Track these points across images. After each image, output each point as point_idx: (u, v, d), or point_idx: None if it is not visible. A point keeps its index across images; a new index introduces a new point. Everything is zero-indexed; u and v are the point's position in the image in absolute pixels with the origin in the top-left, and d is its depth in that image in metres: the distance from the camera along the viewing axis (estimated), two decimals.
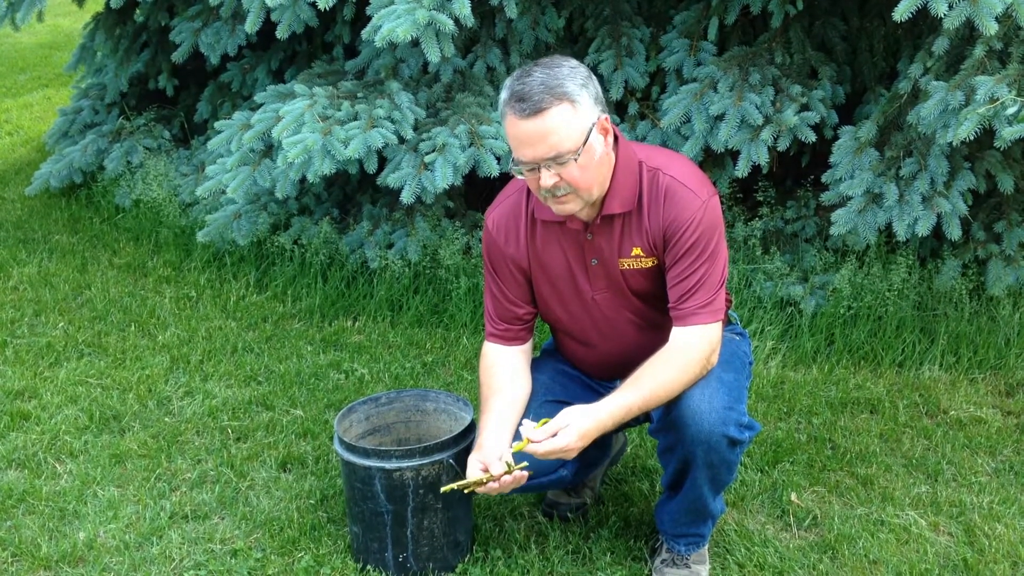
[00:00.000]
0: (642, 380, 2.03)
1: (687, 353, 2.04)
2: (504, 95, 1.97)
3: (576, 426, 1.97)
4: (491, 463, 2.03)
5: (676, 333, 2.07)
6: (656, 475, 2.65)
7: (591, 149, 1.97)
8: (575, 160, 1.94)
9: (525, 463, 2.04)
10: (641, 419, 2.30)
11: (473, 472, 2.04)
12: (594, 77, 2.01)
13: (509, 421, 2.15)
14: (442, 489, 2.07)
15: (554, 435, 1.96)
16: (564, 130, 1.93)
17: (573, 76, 1.95)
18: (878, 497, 2.55)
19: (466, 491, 2.05)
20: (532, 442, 1.96)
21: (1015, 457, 2.74)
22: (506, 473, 2.00)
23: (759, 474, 2.64)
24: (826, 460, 2.72)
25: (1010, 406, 3.00)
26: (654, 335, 2.15)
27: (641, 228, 2.07)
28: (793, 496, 2.55)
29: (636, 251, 2.09)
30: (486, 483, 2.01)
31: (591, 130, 1.97)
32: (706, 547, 2.29)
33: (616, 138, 2.07)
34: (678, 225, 2.03)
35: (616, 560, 2.32)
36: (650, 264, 2.10)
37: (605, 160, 2.02)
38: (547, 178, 1.96)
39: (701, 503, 2.15)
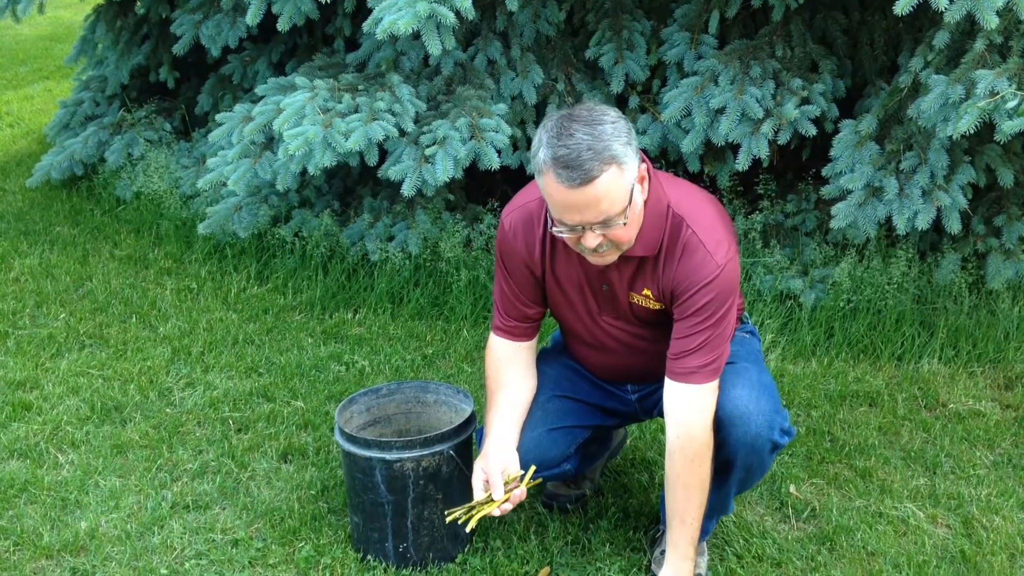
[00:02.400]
0: (678, 500, 2.05)
1: (692, 441, 2.01)
2: (544, 155, 1.84)
3: None
4: (493, 476, 2.02)
5: (670, 391, 2.02)
6: (655, 467, 2.66)
7: (635, 205, 1.90)
8: (623, 223, 1.89)
9: (533, 467, 2.07)
10: (657, 414, 2.30)
11: (477, 483, 2.05)
12: (629, 122, 1.91)
13: (515, 421, 2.16)
14: (448, 518, 2.06)
15: None
16: (614, 194, 1.84)
17: (617, 134, 1.84)
18: (876, 489, 2.56)
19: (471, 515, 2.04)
20: None
21: (1013, 450, 2.75)
22: (507, 494, 2.01)
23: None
24: (825, 452, 2.73)
25: (1009, 399, 3.00)
26: (661, 351, 2.10)
27: (656, 276, 2.03)
28: (792, 488, 2.56)
29: (646, 292, 2.06)
30: (487, 507, 2.01)
31: (634, 187, 1.90)
32: (705, 539, 2.30)
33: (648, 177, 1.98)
34: (688, 286, 1.98)
35: (615, 551, 2.33)
36: (658, 307, 2.08)
37: (642, 208, 1.96)
38: (591, 240, 1.89)
39: (722, 503, 2.16)
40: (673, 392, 2.02)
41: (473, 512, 2.02)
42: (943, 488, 2.56)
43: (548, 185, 1.86)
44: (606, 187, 1.83)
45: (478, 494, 2.03)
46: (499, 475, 2.03)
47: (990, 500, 2.51)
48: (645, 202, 1.97)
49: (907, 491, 2.55)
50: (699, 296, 1.97)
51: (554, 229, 1.93)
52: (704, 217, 2.00)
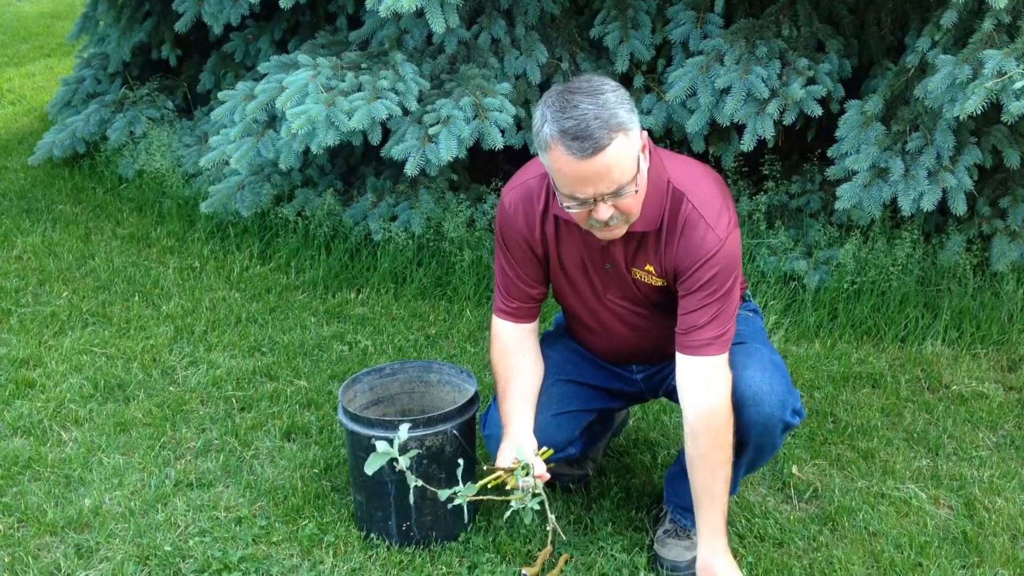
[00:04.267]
0: (705, 476, 2.01)
1: (714, 415, 1.98)
2: (550, 130, 1.82)
3: None
4: (528, 455, 2.00)
5: (685, 367, 2.00)
6: (658, 447, 2.66)
7: (642, 173, 1.89)
8: (635, 191, 1.88)
9: (548, 450, 2.05)
10: (663, 394, 2.30)
11: (504, 462, 2.02)
12: (626, 91, 1.89)
13: (530, 404, 2.16)
14: (469, 496, 1.99)
15: None
16: (624, 162, 1.83)
17: (620, 102, 1.83)
18: (879, 470, 2.56)
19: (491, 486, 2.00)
20: None
21: (1016, 432, 2.75)
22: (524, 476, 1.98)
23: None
24: (827, 434, 2.73)
25: (1012, 381, 3.00)
26: (667, 331, 2.10)
27: (657, 252, 2.02)
28: (794, 469, 2.57)
29: (649, 268, 2.05)
30: (508, 486, 1.97)
31: (639, 155, 1.88)
32: None
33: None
34: (691, 262, 1.97)
35: (617, 530, 2.33)
36: (660, 284, 2.07)
37: (646, 178, 1.95)
38: (604, 211, 1.87)
39: (730, 483, 2.16)
40: (688, 367, 2.00)
41: (493, 481, 1.99)
42: (945, 469, 2.57)
43: (557, 160, 1.84)
44: (616, 155, 1.82)
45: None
46: (532, 454, 2.03)
47: (992, 481, 2.51)
48: (647, 178, 1.96)
49: (909, 472, 2.56)
50: (703, 271, 1.96)
51: (564, 205, 1.91)
52: (704, 191, 1.99)
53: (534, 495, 1.94)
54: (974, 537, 2.29)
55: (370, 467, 1.91)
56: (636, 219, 1.95)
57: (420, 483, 2.00)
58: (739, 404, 2.01)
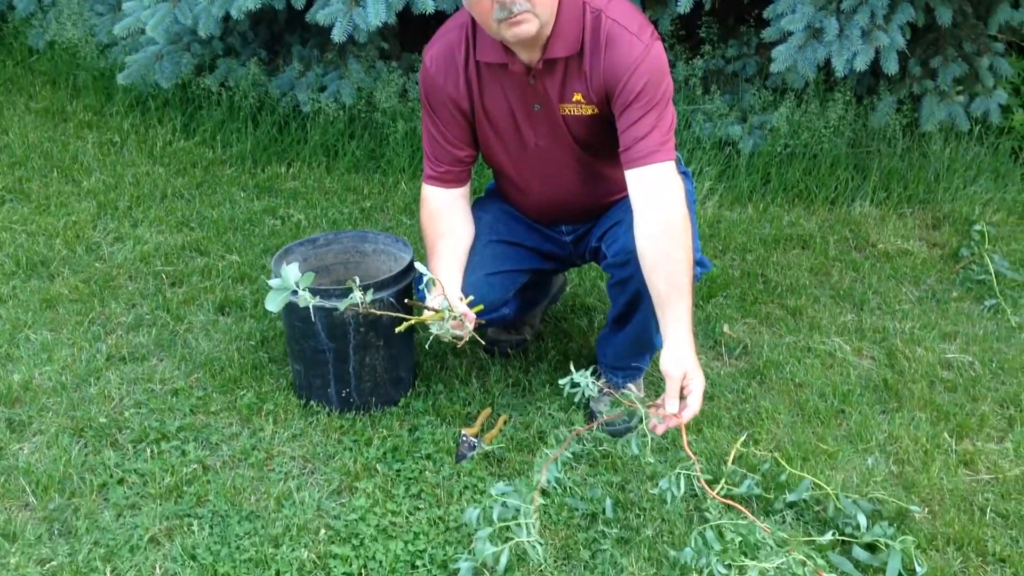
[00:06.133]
0: (671, 273, 1.93)
1: (671, 221, 1.93)
2: None
3: (696, 378, 1.89)
4: (452, 300, 1.99)
5: (636, 181, 1.96)
6: (595, 312, 2.70)
7: None
8: None
9: (471, 297, 2.04)
10: (589, 257, 2.31)
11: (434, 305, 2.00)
12: None
13: (457, 263, 2.15)
14: (397, 328, 2.00)
15: (683, 398, 1.88)
16: None
17: None
18: (806, 326, 2.64)
19: (426, 327, 1.98)
20: (676, 417, 1.85)
21: (938, 286, 2.85)
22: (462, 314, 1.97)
23: (694, 308, 2.69)
24: (758, 294, 2.79)
25: (935, 238, 3.09)
26: (594, 184, 2.13)
27: (582, 74, 2.00)
28: (725, 327, 2.63)
29: (577, 96, 2.03)
30: (446, 319, 1.95)
31: None
32: (641, 377, 2.36)
33: None
34: (621, 73, 1.95)
35: (554, 391, 2.38)
36: (590, 112, 2.04)
37: None
38: None
39: (646, 336, 2.19)
40: (639, 179, 1.97)
41: (430, 319, 1.96)
42: (869, 323, 2.66)
43: None
44: None
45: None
46: (457, 300, 2.01)
47: (913, 333, 2.61)
48: (561, 1, 1.94)
49: (835, 327, 2.64)
50: (635, 80, 1.95)
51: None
52: (620, 7, 1.99)
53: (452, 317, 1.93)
54: (894, 384, 2.40)
55: (271, 303, 1.87)
56: (548, 18, 1.92)
57: (315, 302, 1.97)
58: (636, 256, 1.99)
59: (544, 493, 2.02)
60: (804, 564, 1.71)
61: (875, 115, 3.33)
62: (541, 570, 1.83)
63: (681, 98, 3.48)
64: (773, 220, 3.17)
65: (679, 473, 1.89)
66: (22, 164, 3.43)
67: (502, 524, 1.81)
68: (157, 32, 3.40)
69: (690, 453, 1.86)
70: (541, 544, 1.80)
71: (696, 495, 2.00)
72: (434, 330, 1.95)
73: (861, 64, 3.03)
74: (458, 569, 1.78)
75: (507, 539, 1.80)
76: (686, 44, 3.64)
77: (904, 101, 3.37)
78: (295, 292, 1.90)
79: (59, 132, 3.68)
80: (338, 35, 3.19)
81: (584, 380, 1.92)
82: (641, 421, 1.92)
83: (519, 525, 1.81)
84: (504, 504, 1.84)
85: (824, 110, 3.36)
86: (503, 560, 1.77)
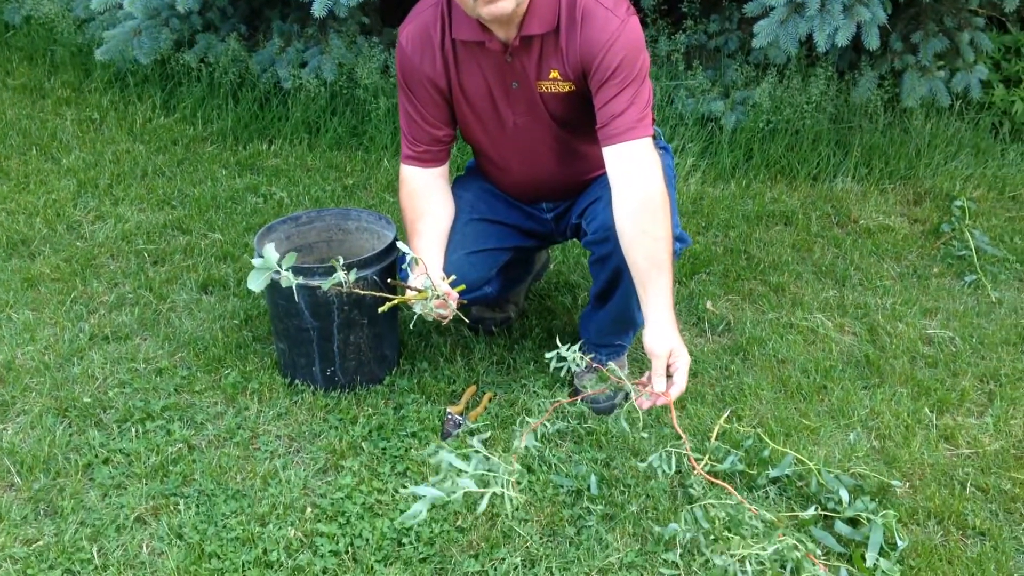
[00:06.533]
0: (650, 249, 1.91)
1: (650, 198, 1.92)
2: None
3: (681, 355, 1.88)
4: (435, 279, 2.00)
5: (613, 157, 1.95)
6: (579, 289, 2.71)
7: None
8: None
9: (454, 276, 2.03)
10: (570, 234, 2.31)
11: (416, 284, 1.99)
12: None
13: (438, 243, 2.14)
14: (380, 308, 1.99)
15: (669, 377, 1.86)
16: None
17: None
18: (788, 303, 2.66)
19: (410, 306, 1.98)
20: (664, 396, 1.84)
21: (919, 261, 2.87)
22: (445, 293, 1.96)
23: (677, 285, 2.71)
24: (741, 270, 2.80)
25: (917, 214, 3.11)
26: (572, 162, 2.13)
27: (559, 51, 1.99)
28: (708, 304, 2.64)
29: (554, 74, 2.02)
30: (430, 299, 1.95)
31: None
32: (625, 355, 2.37)
33: None
34: (597, 49, 1.95)
35: (539, 369, 2.39)
36: (567, 89, 2.04)
37: None
38: None
39: (628, 313, 2.20)
40: (617, 157, 1.96)
41: (413, 299, 1.96)
42: (851, 299, 2.68)
43: None
44: None
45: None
46: (439, 279, 2.01)
47: (895, 308, 2.64)
48: None
49: (817, 303, 2.66)
50: (611, 56, 1.95)
51: None
52: None
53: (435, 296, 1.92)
54: (876, 360, 2.42)
55: (253, 283, 1.86)
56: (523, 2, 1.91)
57: (298, 281, 1.97)
58: (615, 232, 1.99)
59: (529, 470, 2.03)
60: (796, 549, 1.72)
61: (857, 90, 3.34)
62: (527, 546, 1.85)
63: (663, 74, 3.47)
64: (755, 196, 3.18)
65: (669, 450, 1.91)
66: (0, 142, 3.39)
67: (478, 474, 1.71)
68: (135, 7, 3.36)
69: (680, 431, 1.88)
70: (515, 498, 1.74)
71: (680, 471, 2.02)
72: (417, 310, 1.94)
73: (842, 39, 3.03)
74: (421, 496, 1.63)
75: (485, 485, 1.71)
76: (668, 19, 3.63)
77: (886, 76, 3.38)
78: (278, 272, 1.89)
79: (37, 109, 3.64)
80: (318, 10, 3.16)
81: (571, 355, 1.93)
82: (627, 398, 1.93)
83: (495, 478, 1.73)
84: (486, 457, 1.78)
85: (806, 85, 3.37)
86: (483, 503, 1.66)
